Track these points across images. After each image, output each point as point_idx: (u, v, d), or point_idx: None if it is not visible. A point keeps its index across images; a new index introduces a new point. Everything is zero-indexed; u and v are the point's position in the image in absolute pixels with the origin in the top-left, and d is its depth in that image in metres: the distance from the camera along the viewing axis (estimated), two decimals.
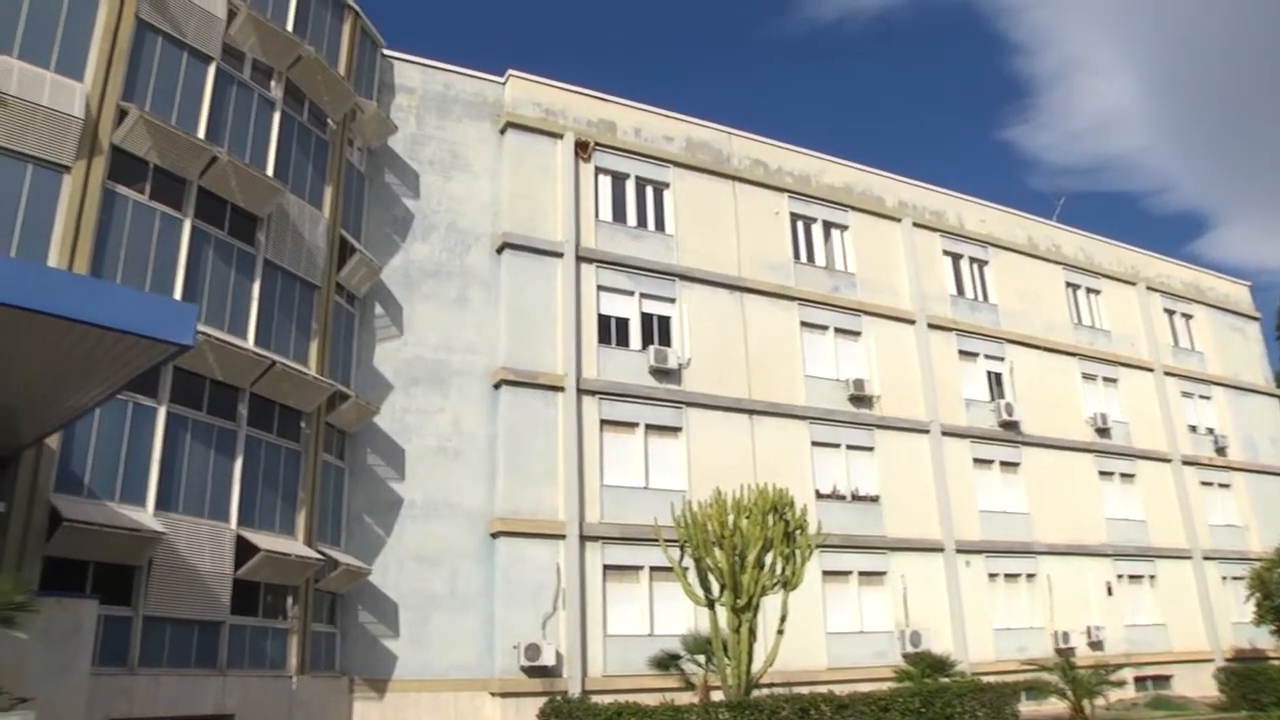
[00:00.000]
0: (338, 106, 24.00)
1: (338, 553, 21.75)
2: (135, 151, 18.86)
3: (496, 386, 25.36)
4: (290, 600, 20.41)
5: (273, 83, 22.38)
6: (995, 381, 34.27)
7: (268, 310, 21.13)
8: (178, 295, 18.87)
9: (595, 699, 20.71)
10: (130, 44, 19.16)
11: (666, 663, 21.47)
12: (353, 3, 25.26)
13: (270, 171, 21.52)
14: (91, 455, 17.29)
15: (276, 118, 22.24)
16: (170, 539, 17.62)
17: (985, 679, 23.00)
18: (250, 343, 20.33)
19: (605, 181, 28.93)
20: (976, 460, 32.24)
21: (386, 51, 27.06)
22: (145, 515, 17.55)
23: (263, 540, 19.28)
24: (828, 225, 32.68)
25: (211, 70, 20.75)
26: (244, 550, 18.95)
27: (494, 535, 24.11)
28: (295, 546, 20.24)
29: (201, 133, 20.08)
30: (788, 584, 19.47)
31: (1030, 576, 31.89)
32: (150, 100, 19.34)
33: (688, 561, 19.90)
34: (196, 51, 20.53)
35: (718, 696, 19.16)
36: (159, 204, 19.29)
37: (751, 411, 28.33)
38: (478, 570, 23.90)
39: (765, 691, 18.78)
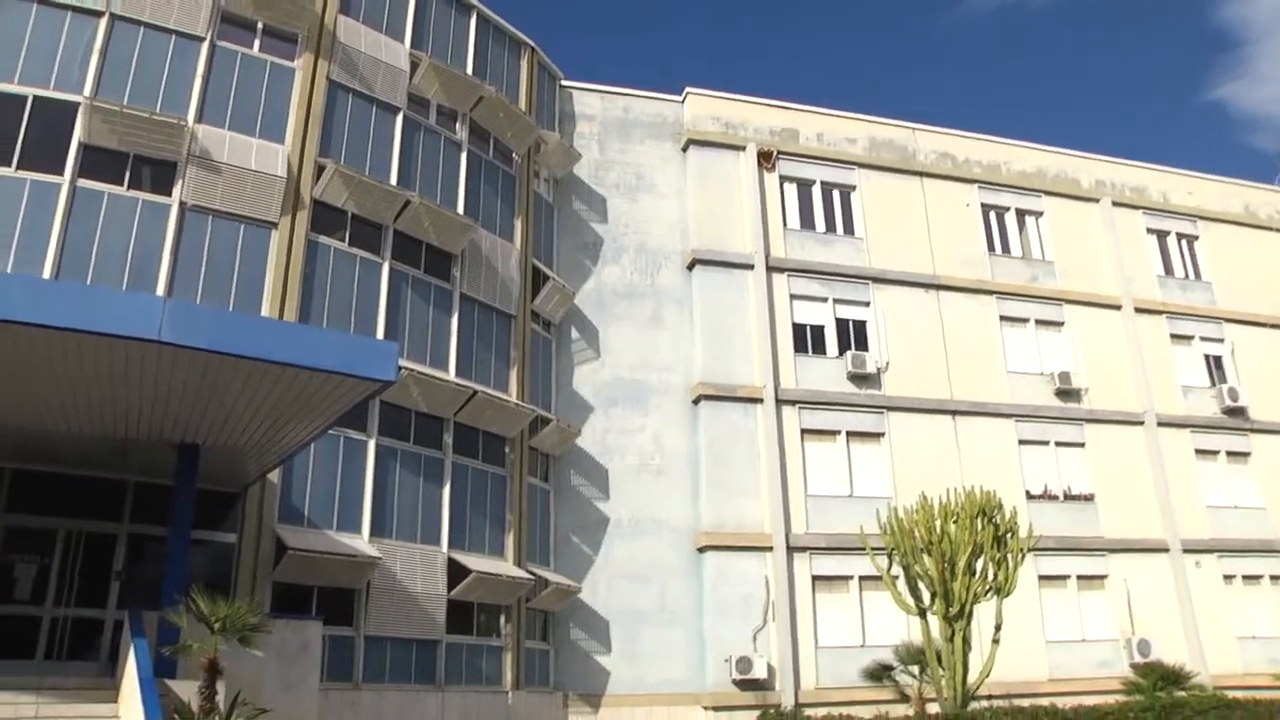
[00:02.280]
0: (521, 141, 24.84)
1: (547, 572, 22.37)
2: (334, 203, 20.23)
3: (695, 402, 25.54)
4: (503, 619, 21.17)
5: (457, 124, 23.40)
6: (1215, 365, 31.52)
7: (467, 342, 22.03)
8: (380, 334, 20.02)
9: (808, 712, 20.52)
10: (324, 105, 20.65)
11: (879, 674, 20.91)
12: (528, 40, 26.12)
13: (461, 210, 22.52)
14: (310, 488, 18.55)
15: (464, 158, 23.25)
16: (386, 563, 18.69)
17: (1231, 694, 21.12)
18: (452, 374, 21.25)
19: (791, 189, 28.70)
20: (1199, 451, 29.75)
21: (565, 82, 27.81)
22: (361, 542, 18.67)
23: (474, 562, 20.10)
24: (1021, 213, 31.24)
25: (399, 120, 21.97)
26: (456, 572, 19.84)
27: (700, 550, 24.21)
28: (505, 567, 20.97)
29: (394, 179, 21.26)
30: (1000, 590, 18.65)
31: (1275, 578, 29.22)
32: (345, 154, 20.67)
33: (896, 569, 19.40)
34: (384, 104, 21.81)
35: (934, 709, 18.54)
36: (359, 250, 20.55)
37: (954, 412, 27.40)
38: (686, 585, 24.04)
39: (983, 704, 18.08)
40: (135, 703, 11.31)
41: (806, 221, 28.52)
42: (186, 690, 12.00)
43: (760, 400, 25.70)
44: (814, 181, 28.98)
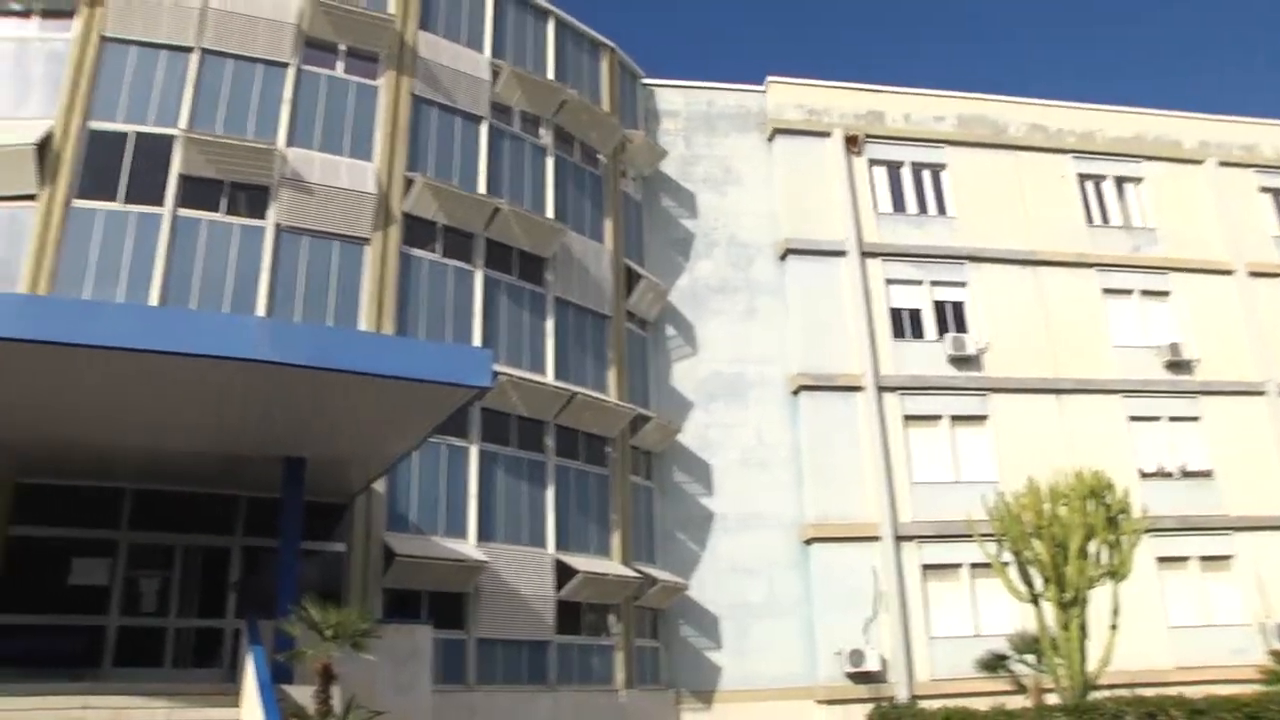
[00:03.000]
0: (606, 141, 24.96)
1: (654, 570, 22.42)
2: (424, 215, 20.65)
3: (795, 393, 25.32)
4: (612, 618, 21.32)
5: (542, 129, 23.62)
6: None
7: (563, 344, 22.24)
8: (477, 341, 20.37)
9: (923, 704, 20.14)
10: (409, 119, 21.08)
11: (994, 664, 20.36)
12: (607, 40, 26.24)
13: (550, 213, 22.74)
14: (415, 495, 18.98)
15: (550, 162, 23.47)
16: (493, 566, 18.99)
17: None
18: (550, 377, 21.48)
19: (880, 172, 28.24)
20: None
21: (646, 80, 27.82)
22: (468, 546, 19.01)
23: (580, 562, 20.29)
24: (1120, 181, 30.01)
25: (484, 129, 22.30)
26: (563, 573, 20.05)
27: (807, 542, 24.00)
28: (612, 566, 21.11)
29: (482, 188, 21.59)
30: (1116, 574, 17.93)
31: None
32: (432, 167, 21.09)
33: (1007, 556, 18.90)
34: (468, 114, 22.16)
35: (1052, 699, 17.99)
36: (451, 259, 20.93)
37: (1058, 391, 26.52)
38: (793, 578, 23.85)
39: (1105, 694, 17.47)
40: (256, 707, 11.70)
41: (897, 204, 28.04)
42: (303, 695, 12.37)
43: (860, 388, 25.36)
44: (903, 163, 28.47)
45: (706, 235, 26.88)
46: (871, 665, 22.62)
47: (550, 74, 24.01)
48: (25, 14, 19.73)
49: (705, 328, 25.91)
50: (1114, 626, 17.84)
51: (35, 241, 17.63)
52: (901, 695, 22.54)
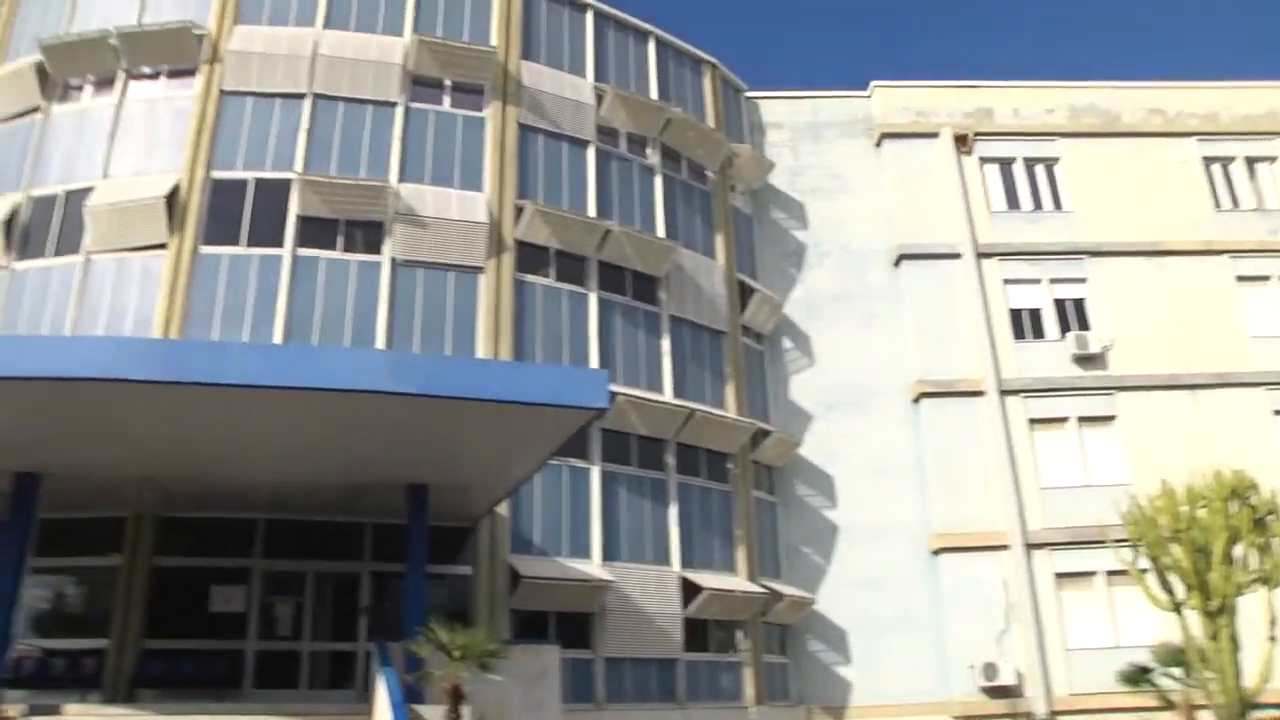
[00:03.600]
0: (713, 157, 24.99)
1: (780, 585, 22.22)
2: (536, 241, 21.02)
3: (915, 400, 24.77)
4: (740, 634, 21.16)
5: (648, 149, 23.81)
6: None
7: (680, 362, 22.29)
8: (594, 363, 20.57)
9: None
10: (516, 148, 21.57)
11: (1137, 677, 19.07)
12: (708, 56, 26.31)
13: (661, 232, 22.89)
14: (539, 517, 19.25)
15: (658, 181, 23.63)
16: (619, 586, 19.10)
17: None
18: (668, 396, 21.56)
19: (992, 170, 27.45)
20: None
21: (749, 94, 27.76)
22: (593, 566, 19.18)
23: (706, 579, 20.23)
24: (1250, 161, 28.30)
25: (591, 153, 22.60)
26: (689, 590, 20.00)
27: (934, 552, 23.39)
28: (738, 583, 20.99)
29: (592, 211, 21.88)
30: (1269, 580, 16.79)
31: None
32: (542, 193, 21.48)
33: (1144, 562, 17.95)
34: (574, 139, 22.52)
35: (1204, 717, 16.97)
36: (565, 284, 21.24)
37: (1191, 386, 25.16)
38: (922, 589, 23.25)
39: (1268, 714, 16.43)
40: None
41: (1011, 201, 27.18)
42: (434, 715, 12.68)
43: (982, 393, 24.60)
44: (1014, 159, 27.61)
45: (818, 245, 26.62)
46: (1006, 679, 21.83)
47: (654, 94, 24.21)
48: (154, 76, 21.11)
49: (821, 338, 25.62)
50: (1273, 638, 16.67)
51: (166, 287, 18.75)
52: (1040, 711, 21.76)
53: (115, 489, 16.01)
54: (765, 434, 23.11)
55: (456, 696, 12.35)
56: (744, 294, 24.53)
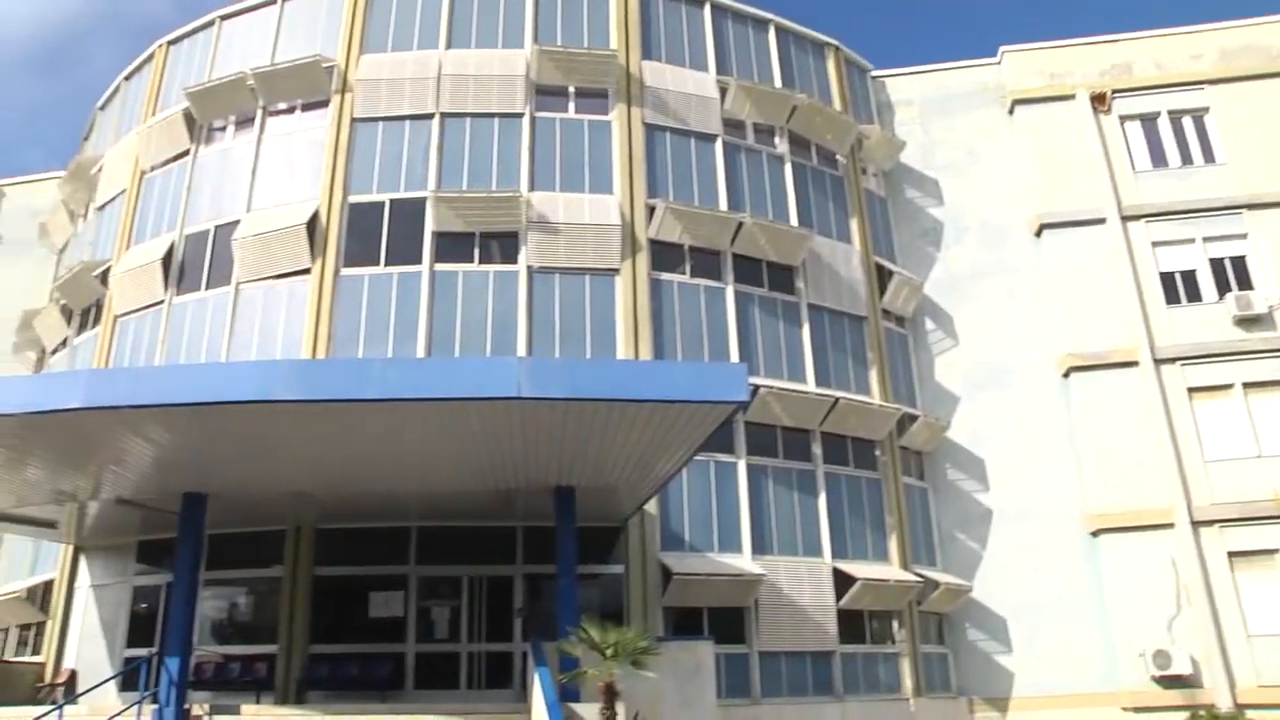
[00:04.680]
0: (842, 141, 24.61)
1: (935, 573, 21.76)
2: (670, 239, 21.14)
3: (1065, 375, 23.75)
4: (896, 624, 20.83)
5: (776, 138, 23.62)
6: None
7: (821, 351, 22.06)
8: (734, 357, 20.55)
9: (1251, 715, 18.36)
10: (644, 148, 21.76)
11: None
12: (830, 39, 25.94)
13: (794, 221, 22.69)
14: (688, 513, 19.34)
15: (788, 169, 23.42)
16: (771, 579, 19.05)
17: None
18: (811, 385, 21.36)
19: (1134, 128, 25.98)
20: None
21: (875, 73, 27.29)
22: (744, 560, 19.15)
23: (859, 570, 19.98)
24: None
25: (719, 146, 22.57)
26: (842, 581, 19.78)
27: (1093, 534, 22.37)
28: (891, 572, 20.64)
29: (724, 205, 21.84)
30: None
31: None
32: (672, 191, 21.57)
33: None
34: (701, 134, 22.54)
35: None
36: (701, 279, 21.27)
37: None
38: (1082, 573, 22.21)
39: None
40: None
41: (1157, 159, 25.67)
42: (589, 712, 12.87)
43: (1135, 363, 23.35)
44: (1158, 113, 26.05)
45: (955, 221, 25.90)
46: (1180, 668, 20.61)
47: (778, 82, 24.00)
48: (289, 110, 22.31)
49: (964, 317, 24.93)
50: None
51: (312, 310, 19.75)
52: (1223, 703, 20.41)
53: (274, 504, 16.96)
54: (912, 419, 22.69)
55: (611, 694, 12.48)
56: (882, 277, 24.12)
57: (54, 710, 13.99)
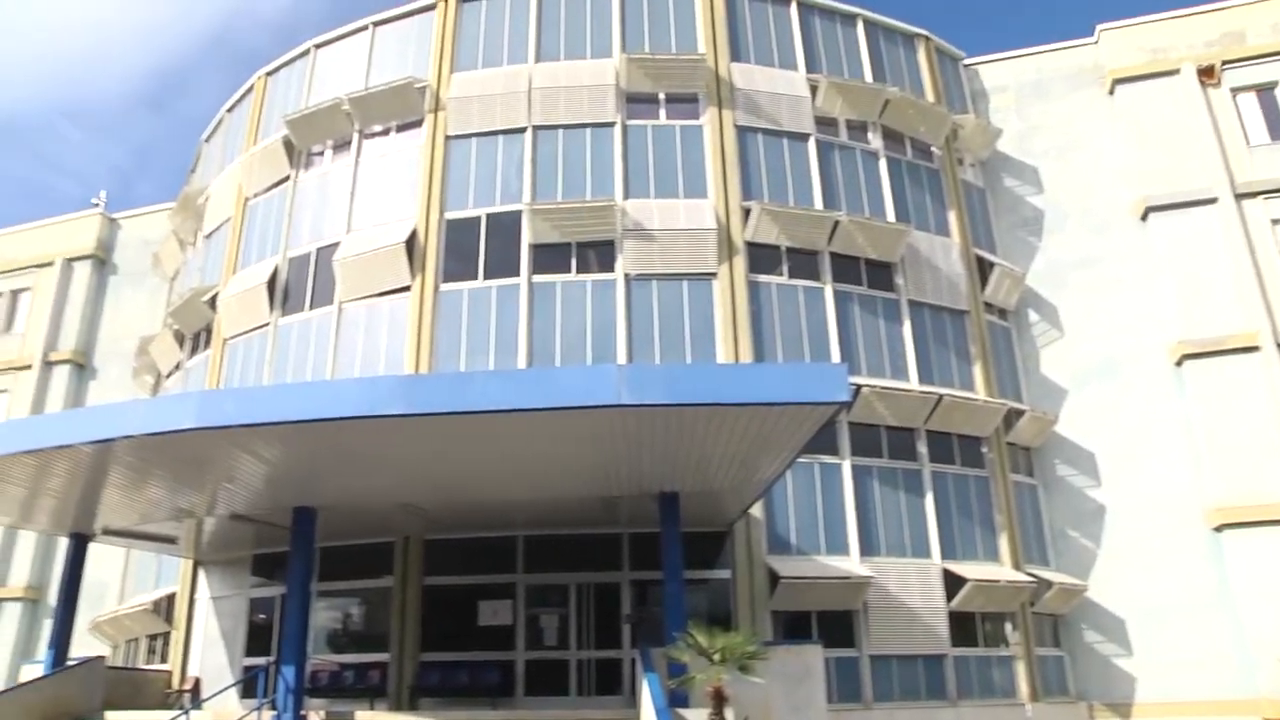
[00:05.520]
0: (937, 132, 24.17)
1: (1048, 572, 21.14)
2: (766, 241, 21.03)
3: (1178, 364, 22.78)
4: (1009, 627, 20.25)
5: (869, 134, 23.31)
6: None
7: (923, 348, 21.68)
8: (834, 357, 20.34)
9: None
10: (736, 151, 21.67)
11: None
12: (920, 30, 25.50)
13: (891, 217, 22.37)
14: (793, 516, 19.20)
15: (882, 165, 23.11)
16: (879, 581, 18.77)
17: None
18: (914, 383, 21.02)
19: (1246, 100, 24.79)
20: None
21: (968, 61, 26.74)
22: (851, 563, 18.91)
23: (969, 570, 19.55)
24: None
25: (811, 145, 22.40)
26: (952, 582, 19.37)
27: (1216, 529, 21.30)
28: (1003, 572, 20.13)
29: (819, 204, 21.65)
30: None
31: None
32: (767, 192, 21.48)
33: None
34: (794, 134, 22.39)
35: None
36: (799, 280, 21.12)
37: None
38: (1206, 571, 21.15)
39: None
40: None
41: (1275, 130, 24.35)
42: (698, 718, 12.80)
43: (1256, 348, 22.18)
44: (1274, 83, 24.71)
45: (1056, 209, 25.14)
46: None
47: (868, 76, 23.72)
48: (384, 132, 22.91)
49: (1069, 307, 24.17)
50: None
51: (413, 326, 20.22)
52: None
53: (382, 517, 17.40)
54: (1019, 414, 22.12)
55: (719, 699, 12.39)
56: (983, 270, 23.57)
57: (181, 715, 14.51)
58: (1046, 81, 26.41)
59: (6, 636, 27.25)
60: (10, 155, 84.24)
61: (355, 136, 23.03)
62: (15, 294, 31.91)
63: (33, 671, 18.80)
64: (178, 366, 25.83)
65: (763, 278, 20.78)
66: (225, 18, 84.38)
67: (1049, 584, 20.57)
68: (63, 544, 19.54)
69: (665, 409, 12.23)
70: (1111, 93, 25.75)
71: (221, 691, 18.08)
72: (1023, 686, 19.86)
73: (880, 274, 21.94)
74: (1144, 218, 24.30)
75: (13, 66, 78.58)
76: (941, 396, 20.59)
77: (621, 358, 19.40)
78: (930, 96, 24.56)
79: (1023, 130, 26.02)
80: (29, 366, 30.21)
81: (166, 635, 21.95)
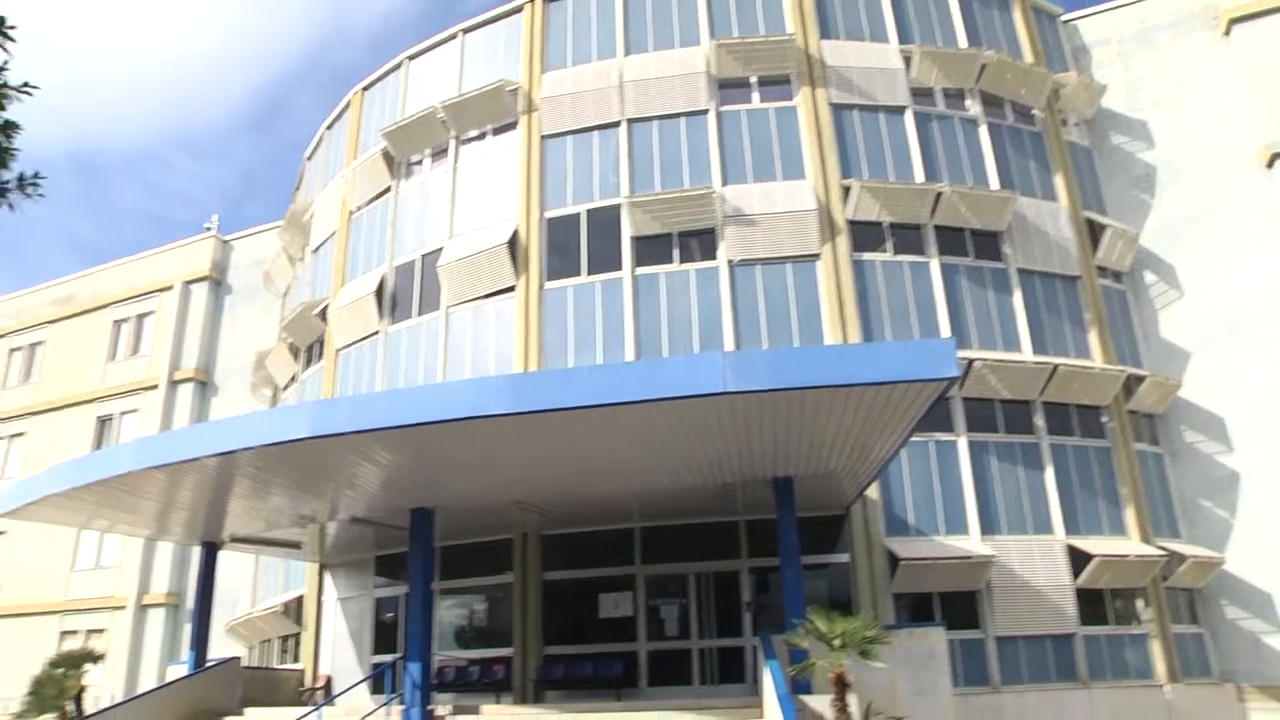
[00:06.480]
0: (1038, 94, 23.38)
1: (1180, 545, 20.23)
2: (868, 218, 20.71)
3: None
4: (1140, 603, 19.43)
5: (968, 101, 22.74)
6: None
7: (1035, 317, 21.07)
8: (944, 331, 19.92)
9: None
10: (832, 129, 21.38)
11: None
12: None
13: (995, 185, 21.77)
14: (910, 497, 18.88)
15: (983, 132, 22.50)
16: (1002, 560, 18.30)
17: None
18: (1027, 354, 20.44)
19: None
20: None
21: (1066, 16, 25.80)
22: (972, 542, 18.50)
23: (1095, 545, 18.91)
24: None
25: (909, 117, 21.95)
26: (1078, 559, 18.74)
27: None
28: (1130, 546, 19.38)
29: (920, 177, 21.22)
30: None
31: None
32: (866, 169, 21.14)
33: None
34: (889, 107, 21.97)
35: None
36: (903, 255, 20.75)
37: None
38: None
39: None
40: (777, 717, 12.25)
41: None
42: (821, 704, 12.73)
43: None
44: None
45: (1170, 163, 23.97)
46: None
47: (963, 42, 23.13)
48: (480, 136, 23.34)
49: (1187, 266, 23.04)
50: None
51: (520, 325, 20.53)
52: None
53: (499, 514, 17.70)
54: (1139, 380, 21.23)
55: (841, 685, 12.28)
56: (1094, 232, 22.71)
57: (314, 711, 14.98)
58: (1151, 30, 25.22)
59: (154, 639, 28.78)
60: (130, 187, 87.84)
61: (452, 143, 23.41)
62: (140, 318, 33.42)
63: (177, 671, 19.71)
64: (294, 379, 26.64)
65: (866, 256, 20.45)
66: (320, 38, 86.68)
67: (1181, 557, 19.63)
68: (196, 553, 20.27)
69: (773, 394, 12.07)
70: (1227, 33, 24.29)
71: (352, 688, 18.66)
72: (1159, 667, 18.94)
73: (987, 244, 21.38)
74: (1269, 165, 22.81)
75: (127, 101, 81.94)
76: (1057, 366, 19.93)
77: (729, 345, 19.33)
78: (1029, 57, 23.79)
79: (1129, 83, 24.94)
80: (155, 386, 31.64)
81: (297, 636, 22.72)
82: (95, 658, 23.05)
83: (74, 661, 22.32)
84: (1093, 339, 21.52)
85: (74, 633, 29.78)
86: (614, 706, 15.61)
